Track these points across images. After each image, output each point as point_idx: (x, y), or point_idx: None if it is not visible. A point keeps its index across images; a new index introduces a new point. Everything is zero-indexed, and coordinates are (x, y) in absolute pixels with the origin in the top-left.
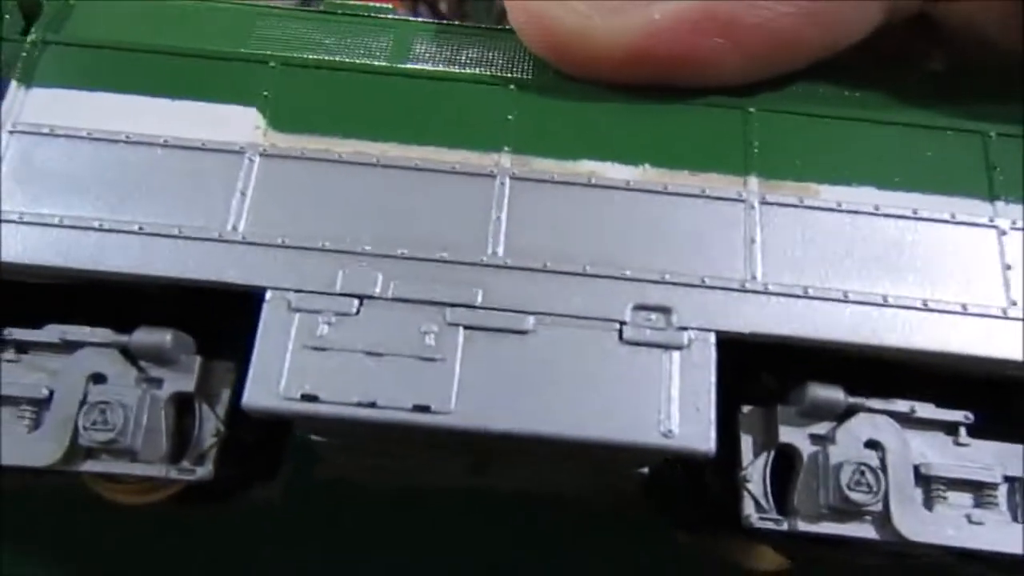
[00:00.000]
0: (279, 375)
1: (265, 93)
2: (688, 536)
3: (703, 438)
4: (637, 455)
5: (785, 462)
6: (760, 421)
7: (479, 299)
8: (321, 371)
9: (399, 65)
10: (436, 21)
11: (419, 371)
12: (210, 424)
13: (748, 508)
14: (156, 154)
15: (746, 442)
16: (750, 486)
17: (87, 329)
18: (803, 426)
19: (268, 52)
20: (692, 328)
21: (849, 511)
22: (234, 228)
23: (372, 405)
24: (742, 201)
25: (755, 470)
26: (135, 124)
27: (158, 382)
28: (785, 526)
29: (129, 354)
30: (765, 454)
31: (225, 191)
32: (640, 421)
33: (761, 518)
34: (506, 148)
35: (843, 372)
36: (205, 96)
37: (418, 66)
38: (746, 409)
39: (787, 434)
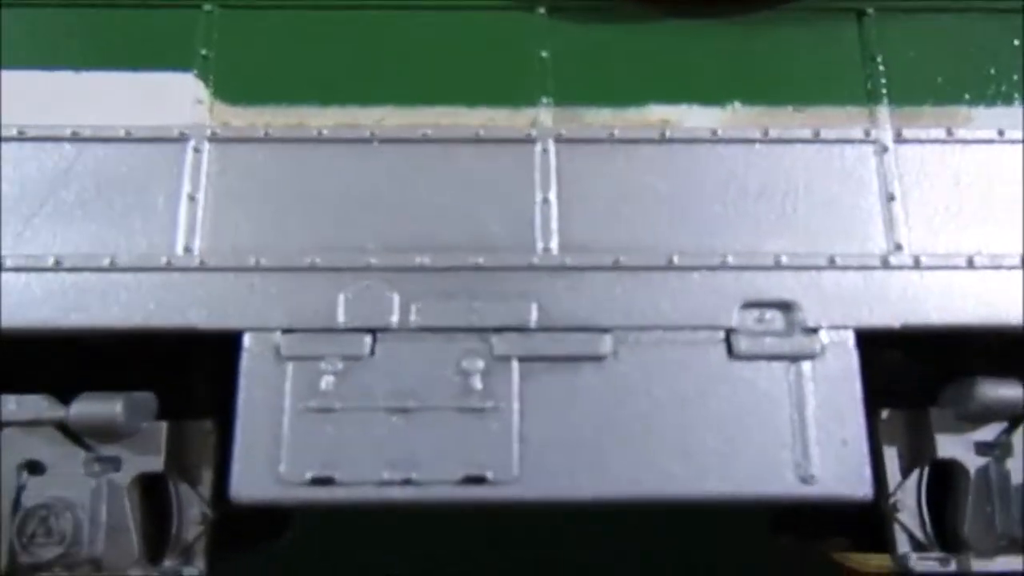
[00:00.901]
0: (275, 452)
1: (204, 51)
2: (789, 538)
3: (856, 480)
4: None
5: (937, 476)
6: (905, 428)
7: (533, 317)
8: (332, 441)
9: None
10: None
11: (465, 427)
12: (192, 509)
13: (903, 546)
14: (65, 152)
15: (890, 457)
16: (902, 516)
17: (11, 402)
18: (964, 432)
19: None
20: (824, 328)
21: None
22: (187, 250)
23: (407, 482)
24: (872, 142)
25: (906, 494)
26: (30, 112)
27: (115, 462)
28: (953, 566)
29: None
30: (918, 472)
31: (168, 198)
32: (769, 465)
33: (922, 558)
34: (544, 99)
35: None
36: (121, 63)
37: None
38: (885, 414)
39: (946, 445)
